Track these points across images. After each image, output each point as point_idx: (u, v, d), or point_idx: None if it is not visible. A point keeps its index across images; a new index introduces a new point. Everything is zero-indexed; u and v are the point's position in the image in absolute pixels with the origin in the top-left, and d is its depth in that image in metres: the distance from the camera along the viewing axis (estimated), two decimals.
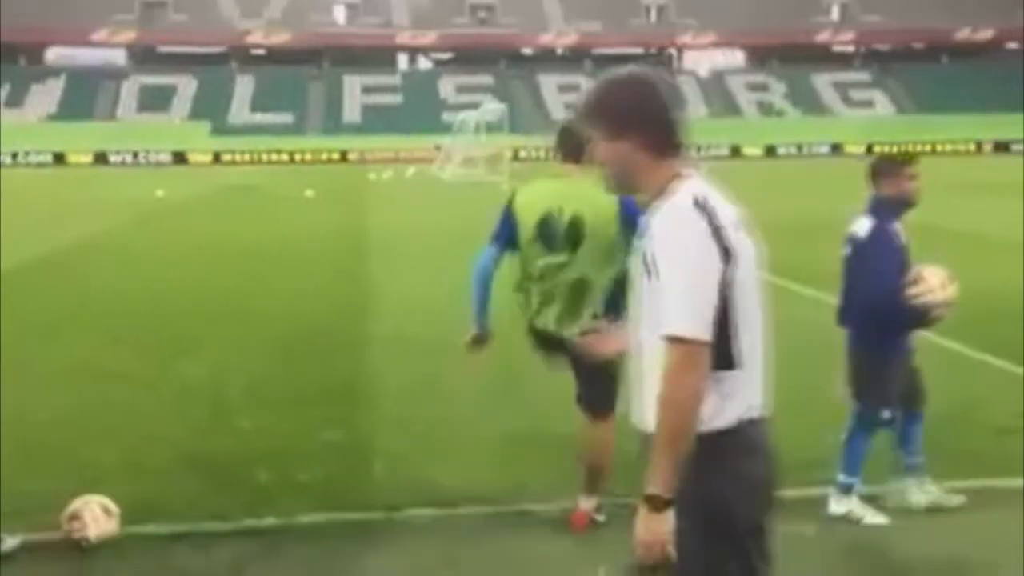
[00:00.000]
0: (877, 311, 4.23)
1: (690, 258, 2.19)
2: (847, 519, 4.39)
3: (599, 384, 4.11)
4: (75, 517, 4.08)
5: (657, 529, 2.17)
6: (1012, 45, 68.18)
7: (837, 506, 4.44)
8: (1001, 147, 54.53)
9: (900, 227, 4.36)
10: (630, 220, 3.66)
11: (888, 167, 4.44)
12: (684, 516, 2.19)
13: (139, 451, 5.37)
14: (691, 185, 2.30)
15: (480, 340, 4.45)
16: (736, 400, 2.25)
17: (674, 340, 2.16)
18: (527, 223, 4.18)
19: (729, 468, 2.24)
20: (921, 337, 4.59)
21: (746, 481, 2.25)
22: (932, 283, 4.09)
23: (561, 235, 4.07)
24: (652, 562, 2.20)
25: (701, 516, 2.22)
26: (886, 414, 4.34)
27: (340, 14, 68.17)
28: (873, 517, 4.39)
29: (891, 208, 4.36)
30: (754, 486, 2.27)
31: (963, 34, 65.91)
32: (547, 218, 4.10)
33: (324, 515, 4.49)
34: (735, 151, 56.36)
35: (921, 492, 4.49)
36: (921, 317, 4.17)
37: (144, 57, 64.92)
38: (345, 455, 5.32)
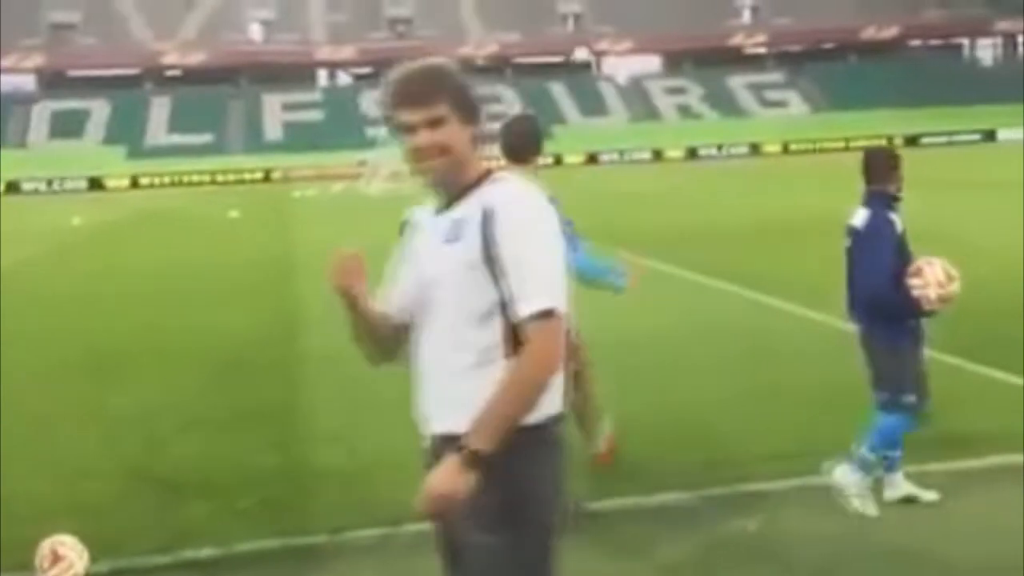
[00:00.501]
0: (878, 300, 4.35)
1: (548, 238, 2.24)
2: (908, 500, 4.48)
3: None
4: (58, 558, 3.96)
5: (460, 487, 2.11)
6: (915, 42, 70.65)
7: (892, 491, 4.51)
8: (911, 141, 56.29)
9: (896, 217, 4.50)
10: None
11: (890, 160, 4.63)
12: (490, 503, 2.14)
13: (75, 488, 5.24)
14: (514, 178, 2.36)
15: None
16: (557, 393, 2.27)
17: (545, 315, 2.16)
18: None
19: (540, 462, 2.24)
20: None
21: (554, 476, 2.27)
22: (930, 278, 4.15)
23: None
24: (436, 515, 2.19)
25: (510, 503, 2.18)
26: (909, 398, 4.38)
27: (256, 32, 67.43)
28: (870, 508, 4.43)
29: (886, 199, 4.53)
30: (560, 481, 2.29)
31: (869, 32, 68.06)
32: None
33: (264, 541, 4.45)
34: (656, 155, 57.19)
35: (893, 486, 4.53)
36: (917, 308, 4.24)
37: (54, 82, 63.25)
38: (283, 478, 5.27)
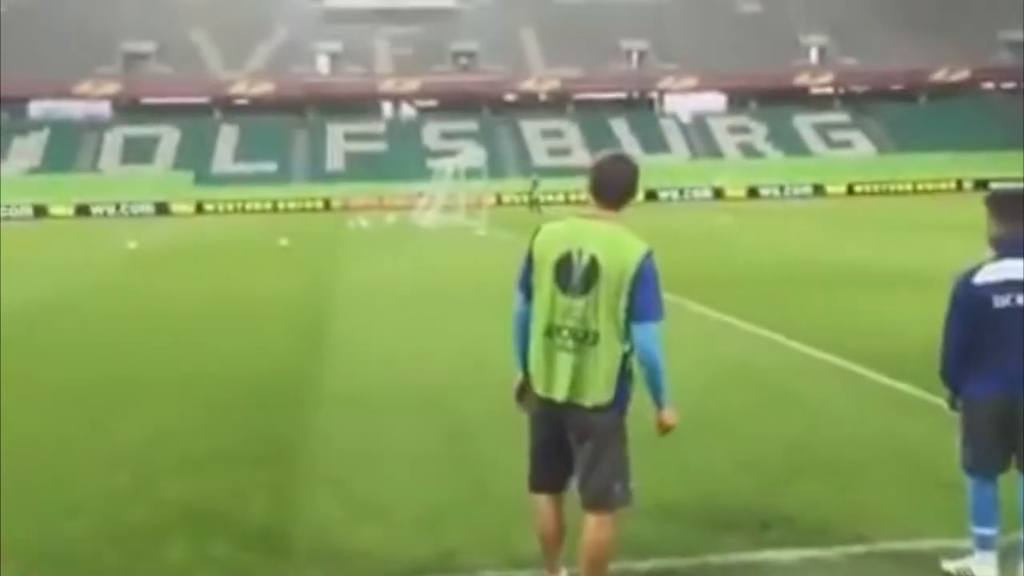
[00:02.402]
0: None
1: None
2: None
3: (609, 468, 3.65)
4: None
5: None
6: (988, 85, 68.99)
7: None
8: (981, 185, 54.82)
9: None
10: (641, 279, 3.61)
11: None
12: None
13: (56, 525, 5.09)
14: None
15: (525, 388, 3.89)
16: None
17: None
18: (545, 261, 3.73)
19: None
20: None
21: None
22: None
23: (578, 277, 3.62)
24: None
25: None
26: None
27: (323, 63, 68.61)
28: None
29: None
30: None
31: (940, 74, 66.68)
32: (566, 257, 3.66)
33: None
34: (717, 193, 56.56)
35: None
36: None
37: (127, 108, 65.09)
38: (267, 523, 5.04)
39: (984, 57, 66.80)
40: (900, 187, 52.30)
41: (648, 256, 3.62)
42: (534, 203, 42.69)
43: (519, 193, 53.86)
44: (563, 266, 3.66)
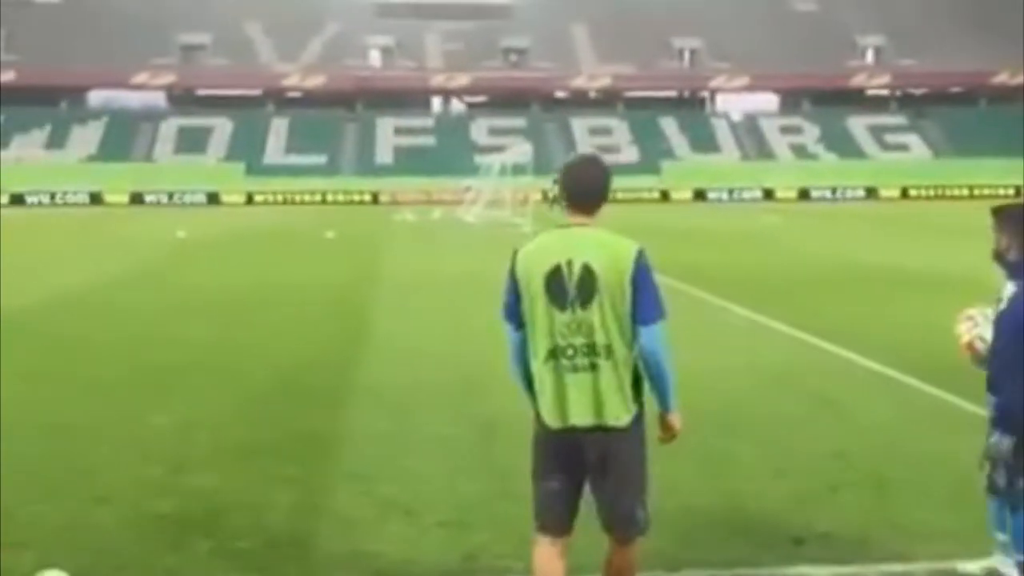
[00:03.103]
0: None
1: None
2: None
3: (633, 495, 3.43)
4: None
5: None
6: None
7: None
8: None
9: None
10: (639, 279, 3.34)
11: None
12: None
13: (84, 512, 5.10)
14: None
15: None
16: None
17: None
18: (533, 283, 3.41)
19: None
20: None
21: None
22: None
23: (574, 289, 3.34)
24: None
25: None
26: None
27: (375, 57, 69.01)
28: None
29: None
30: None
31: (1001, 78, 65.07)
32: (555, 271, 3.37)
33: None
34: (767, 194, 55.86)
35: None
36: None
37: (182, 99, 66.09)
38: (292, 518, 5.00)
39: None
40: (956, 192, 51.21)
41: (641, 253, 3.38)
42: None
43: None
44: (553, 281, 3.35)
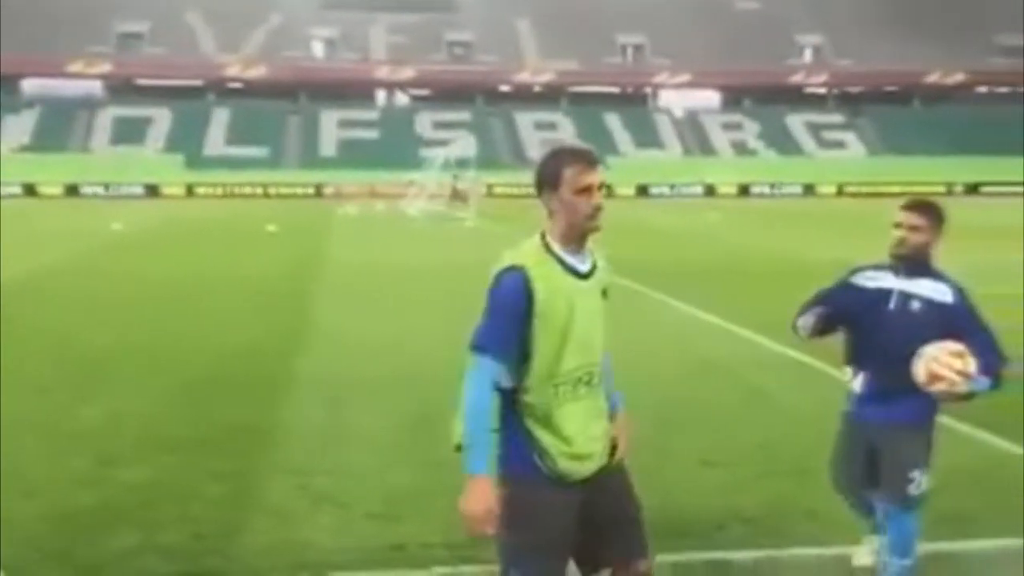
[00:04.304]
0: None
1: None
2: None
3: (638, 523, 3.02)
4: None
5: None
6: (982, 89, 69.16)
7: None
8: (972, 189, 54.98)
9: (890, 281, 3.87)
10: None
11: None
12: None
13: (10, 506, 5.01)
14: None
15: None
16: None
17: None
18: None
19: None
20: None
21: None
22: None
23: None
24: None
25: None
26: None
27: (318, 49, 68.32)
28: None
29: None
30: None
31: (934, 77, 66.76)
32: None
33: None
34: (709, 190, 56.56)
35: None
36: None
37: (120, 89, 64.72)
38: (221, 511, 4.98)
39: (979, 61, 66.90)
40: (889, 189, 52.32)
41: (498, 273, 2.83)
42: (456, 196, 37.11)
43: (512, 185, 53.79)
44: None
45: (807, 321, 4.01)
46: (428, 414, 6.82)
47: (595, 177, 2.81)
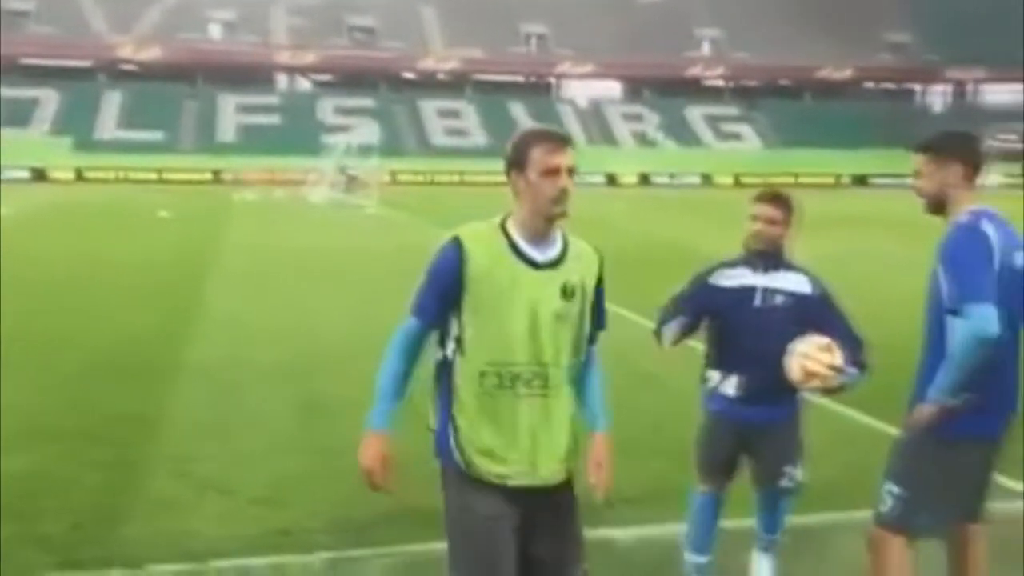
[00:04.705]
0: None
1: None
2: None
3: (578, 546, 2.81)
4: None
5: None
6: (869, 84, 71.92)
7: None
8: (859, 181, 57.13)
9: (746, 275, 3.76)
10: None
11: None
12: None
13: None
14: None
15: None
16: None
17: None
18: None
19: None
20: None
21: None
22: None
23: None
24: None
25: None
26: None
27: (215, 31, 66.55)
28: None
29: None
30: None
31: (824, 72, 69.10)
32: None
33: (56, 574, 4.07)
34: (611, 179, 57.35)
35: None
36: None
37: (5, 68, 61.79)
38: (103, 500, 4.88)
39: (867, 57, 69.53)
40: (783, 180, 53.96)
41: None
42: (352, 183, 36.79)
43: (415, 172, 53.53)
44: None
45: (671, 331, 3.85)
46: (318, 400, 6.80)
47: (563, 158, 2.62)
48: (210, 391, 7.08)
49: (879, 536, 3.30)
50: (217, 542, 4.37)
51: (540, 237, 2.67)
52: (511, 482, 2.64)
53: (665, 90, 67.37)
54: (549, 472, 2.69)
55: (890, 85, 71.97)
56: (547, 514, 2.72)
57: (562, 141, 2.65)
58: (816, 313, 3.69)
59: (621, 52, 66.34)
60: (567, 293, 2.68)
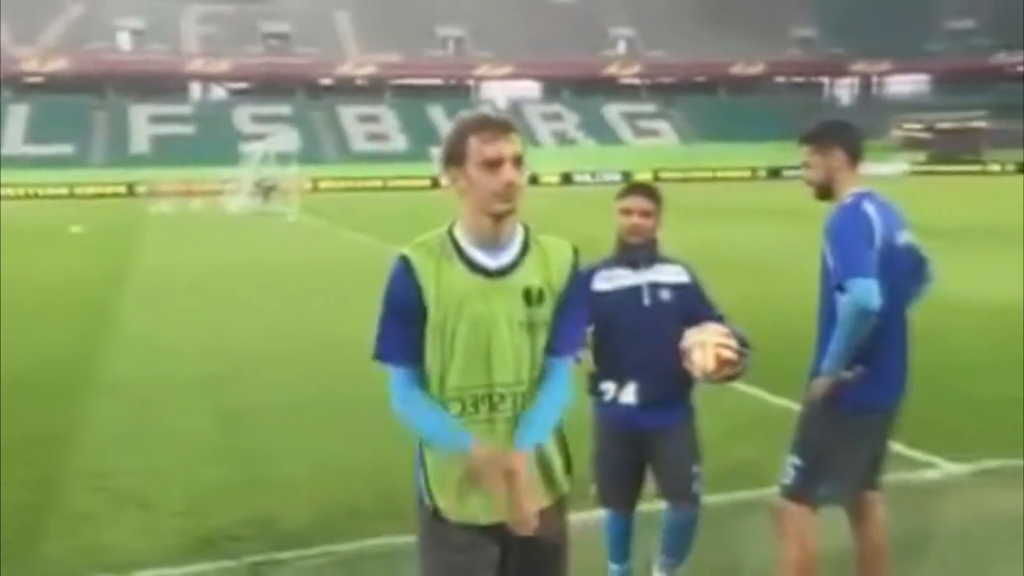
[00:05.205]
0: None
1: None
2: None
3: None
4: None
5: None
6: (780, 79, 73.79)
7: None
8: (774, 173, 58.51)
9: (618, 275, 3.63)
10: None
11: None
12: None
13: None
14: None
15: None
16: None
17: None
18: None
19: None
20: None
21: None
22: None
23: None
24: None
25: None
26: None
27: (124, 40, 65.03)
28: None
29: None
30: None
31: (737, 68, 70.66)
32: None
33: None
34: (533, 179, 57.74)
35: None
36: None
37: None
38: (19, 518, 4.82)
39: (776, 53, 71.30)
40: (701, 175, 54.96)
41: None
42: (268, 190, 36.05)
43: (336, 179, 53.06)
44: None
45: None
46: (236, 412, 6.80)
47: (505, 147, 2.26)
48: (126, 407, 7.00)
49: (783, 507, 3.46)
50: (138, 554, 4.37)
51: (491, 240, 2.32)
52: (482, 520, 2.34)
53: (583, 89, 68.09)
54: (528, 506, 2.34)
55: (799, 79, 73.92)
56: (530, 553, 2.39)
57: (503, 127, 2.29)
58: (695, 301, 3.59)
59: (538, 53, 66.87)
60: (531, 298, 2.33)
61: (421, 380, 2.34)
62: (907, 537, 4.28)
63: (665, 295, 3.58)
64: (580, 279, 2.46)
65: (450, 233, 2.36)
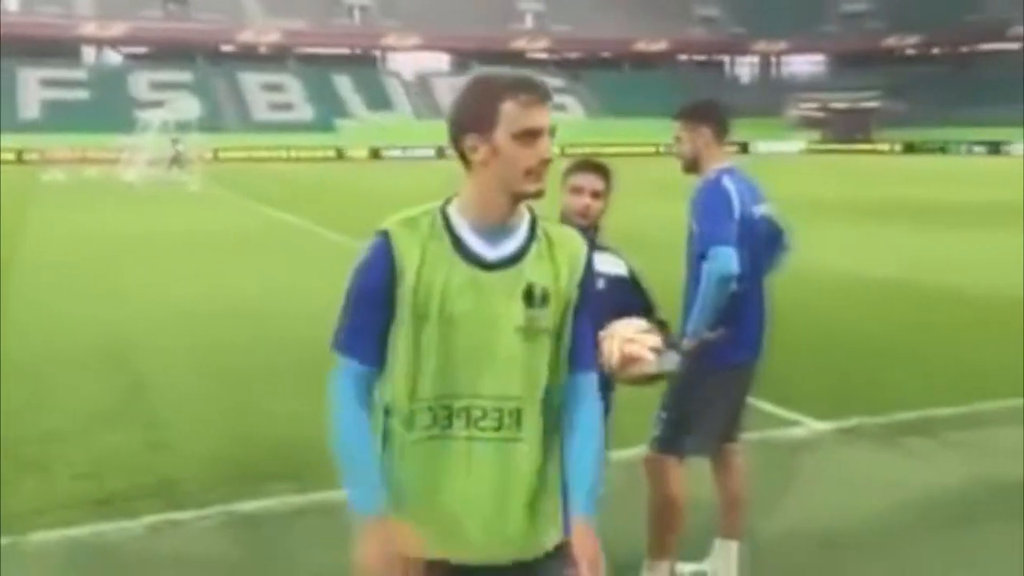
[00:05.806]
0: None
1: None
2: None
3: None
4: None
5: None
6: (683, 56, 75.16)
7: None
8: None
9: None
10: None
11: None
12: None
13: None
14: None
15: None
16: None
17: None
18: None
19: None
20: None
21: None
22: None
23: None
24: None
25: None
26: None
27: (12, 2, 62.12)
28: None
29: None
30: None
31: (640, 45, 71.66)
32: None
33: None
34: (440, 152, 57.60)
35: None
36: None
37: None
38: None
39: (679, 30, 72.54)
40: (608, 150, 55.76)
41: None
42: (175, 161, 35.69)
43: (238, 148, 51.99)
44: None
45: None
46: (139, 380, 6.83)
47: (545, 116, 1.93)
48: (23, 378, 6.93)
49: (654, 458, 3.76)
50: (37, 516, 4.42)
51: (496, 226, 1.95)
52: (453, 558, 1.95)
53: (491, 63, 67.85)
54: (503, 546, 1.96)
55: (701, 57, 75.41)
56: None
57: (544, 93, 1.95)
58: (629, 296, 3.18)
59: (446, 24, 66.49)
60: (533, 299, 1.95)
61: (372, 385, 1.99)
62: (773, 488, 4.66)
63: (602, 285, 2.89)
64: (593, 279, 2.09)
65: (443, 211, 1.98)
